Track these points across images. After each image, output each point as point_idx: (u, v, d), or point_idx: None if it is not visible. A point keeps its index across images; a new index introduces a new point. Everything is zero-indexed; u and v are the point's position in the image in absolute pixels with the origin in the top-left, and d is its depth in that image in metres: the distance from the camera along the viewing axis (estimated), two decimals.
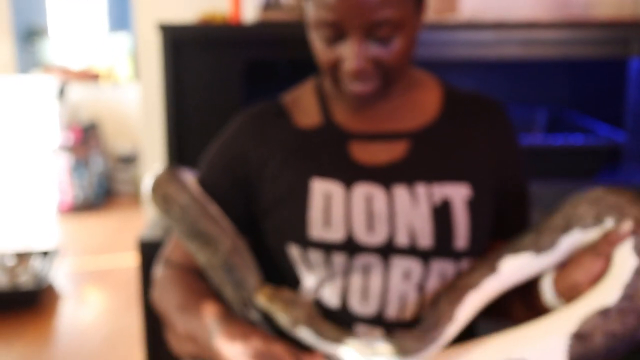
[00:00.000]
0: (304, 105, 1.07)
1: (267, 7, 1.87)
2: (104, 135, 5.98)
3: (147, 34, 2.16)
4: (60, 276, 3.91)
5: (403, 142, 1.00)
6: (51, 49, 6.52)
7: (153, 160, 2.27)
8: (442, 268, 0.96)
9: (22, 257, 3.80)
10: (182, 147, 1.75)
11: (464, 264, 0.97)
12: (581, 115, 2.14)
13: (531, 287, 0.96)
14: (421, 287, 0.96)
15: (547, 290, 0.91)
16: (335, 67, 0.95)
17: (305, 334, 0.92)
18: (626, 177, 1.92)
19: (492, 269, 0.92)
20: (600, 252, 0.85)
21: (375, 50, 0.92)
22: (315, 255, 0.96)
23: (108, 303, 3.69)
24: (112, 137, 6.02)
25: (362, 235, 0.95)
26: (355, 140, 1.01)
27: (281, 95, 1.10)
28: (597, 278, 0.86)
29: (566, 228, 0.89)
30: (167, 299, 1.03)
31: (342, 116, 1.04)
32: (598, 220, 0.86)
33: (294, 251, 0.90)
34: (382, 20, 0.89)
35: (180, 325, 0.98)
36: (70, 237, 4.82)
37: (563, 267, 0.90)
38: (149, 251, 1.66)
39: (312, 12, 0.93)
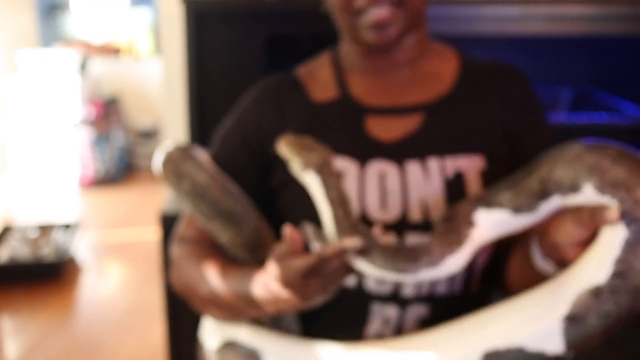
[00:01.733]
0: (320, 78, 1.06)
1: None
2: (124, 109, 6.01)
3: (169, 7, 2.15)
4: (81, 249, 3.96)
5: (417, 115, 1.00)
6: (73, 23, 6.54)
7: (174, 135, 2.27)
8: None
9: (45, 230, 3.84)
10: (203, 122, 1.75)
11: None
12: (606, 93, 2.11)
13: (526, 249, 0.92)
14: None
15: (535, 252, 0.85)
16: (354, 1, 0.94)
17: (312, 181, 0.87)
18: None
19: (468, 221, 0.83)
20: (585, 223, 0.75)
21: None
22: None
23: (129, 276, 3.73)
24: (133, 111, 6.05)
25: (376, 212, 0.95)
26: (371, 114, 1.01)
27: (296, 67, 1.09)
28: (582, 243, 0.77)
29: (544, 194, 0.79)
30: (187, 273, 1.02)
31: (359, 89, 1.03)
32: (576, 185, 0.75)
33: (308, 229, 0.90)
34: None
35: (205, 290, 0.97)
36: (92, 211, 4.86)
37: (546, 225, 0.82)
38: (170, 225, 1.67)
39: None
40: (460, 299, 0.99)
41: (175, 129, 2.27)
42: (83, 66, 5.51)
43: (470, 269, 0.97)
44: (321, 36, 1.87)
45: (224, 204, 0.97)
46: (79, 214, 4.70)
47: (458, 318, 0.90)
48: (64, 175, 5.43)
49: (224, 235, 0.99)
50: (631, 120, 1.88)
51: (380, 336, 0.98)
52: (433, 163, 0.96)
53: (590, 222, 0.75)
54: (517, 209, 0.81)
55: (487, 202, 0.83)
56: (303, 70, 1.09)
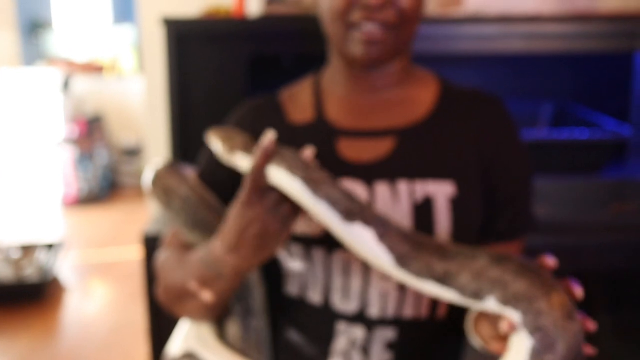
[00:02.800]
0: (299, 101, 1.08)
1: (271, 1, 1.86)
2: (108, 127, 5.99)
3: (151, 27, 2.16)
4: (65, 269, 3.92)
5: (390, 139, 1.00)
6: (56, 41, 6.52)
7: (157, 154, 2.27)
8: None
9: (28, 250, 3.81)
10: (185, 141, 1.75)
11: None
12: (586, 109, 2.13)
13: None
14: (402, 286, 0.96)
15: (469, 328, 0.87)
16: (349, 10, 0.95)
17: (239, 161, 0.92)
18: (631, 171, 1.91)
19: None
20: (493, 326, 0.78)
21: None
22: (297, 249, 0.98)
23: (113, 296, 3.70)
24: (117, 129, 6.03)
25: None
26: (344, 137, 1.01)
27: (280, 90, 1.11)
28: (502, 338, 0.78)
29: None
30: (167, 275, 1.03)
31: (334, 112, 1.04)
32: (480, 296, 0.76)
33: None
34: None
35: (179, 280, 0.98)
36: (75, 230, 4.83)
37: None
38: (153, 245, 1.67)
39: None
40: (427, 324, 0.99)
41: (157, 147, 2.26)
42: (66, 85, 5.49)
43: None
44: (304, 56, 1.89)
45: (201, 215, 0.99)
46: (63, 234, 4.66)
47: (425, 343, 0.91)
48: (47, 194, 5.39)
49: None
50: (611, 135, 1.90)
51: (346, 355, 0.98)
52: (402, 186, 0.96)
53: (496, 328, 0.77)
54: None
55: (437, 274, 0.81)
56: (285, 93, 1.10)
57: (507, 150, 1.02)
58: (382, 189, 0.96)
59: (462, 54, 1.79)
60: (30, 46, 6.27)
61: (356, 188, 0.97)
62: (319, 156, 0.99)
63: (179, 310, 1.02)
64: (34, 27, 6.33)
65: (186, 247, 1.04)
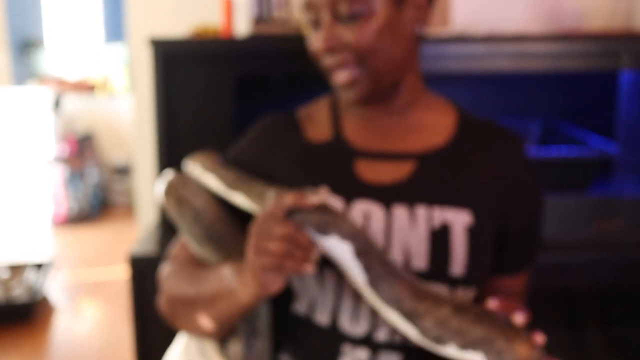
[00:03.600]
0: (317, 119, 1.08)
1: (259, 20, 1.87)
2: (99, 146, 5.98)
3: (140, 46, 2.16)
4: (54, 289, 3.89)
5: (409, 163, 1.00)
6: (47, 60, 6.52)
7: (145, 173, 2.26)
8: None
9: (16, 270, 3.78)
10: (173, 160, 1.75)
11: (460, 291, 0.96)
12: (573, 126, 2.15)
13: None
14: None
15: None
16: (319, 58, 0.98)
17: (209, 180, 0.95)
18: (618, 188, 1.92)
19: None
20: None
21: (344, 32, 0.94)
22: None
23: (103, 315, 3.67)
24: (108, 148, 6.02)
25: None
26: (362, 158, 1.01)
27: (297, 108, 1.12)
28: None
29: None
30: (176, 286, 1.02)
31: (352, 132, 1.04)
32: (442, 341, 0.81)
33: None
34: None
35: (192, 293, 0.98)
36: (65, 250, 4.80)
37: None
38: (139, 266, 1.66)
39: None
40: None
41: (145, 166, 2.26)
42: (57, 103, 5.48)
43: None
44: (292, 75, 1.89)
45: (214, 229, 0.99)
46: (52, 253, 4.64)
47: None
48: (37, 213, 5.37)
49: (213, 259, 1.00)
50: (598, 152, 1.91)
51: None
52: (421, 211, 0.96)
53: None
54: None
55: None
56: (303, 111, 1.11)
57: (522, 186, 1.03)
58: (400, 212, 0.96)
59: (449, 73, 1.80)
60: (22, 65, 6.26)
61: (373, 210, 0.96)
62: (336, 176, 0.99)
63: (184, 323, 1.01)
64: (25, 46, 6.33)
65: (194, 261, 1.03)
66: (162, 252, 1.69)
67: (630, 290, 1.86)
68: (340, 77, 0.96)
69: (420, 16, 0.99)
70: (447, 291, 0.95)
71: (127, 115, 5.82)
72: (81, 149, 5.57)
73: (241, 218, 1.03)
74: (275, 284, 0.87)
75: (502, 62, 1.78)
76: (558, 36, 1.84)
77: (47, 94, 5.42)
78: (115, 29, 8.10)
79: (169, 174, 1.06)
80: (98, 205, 5.73)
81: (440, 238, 0.95)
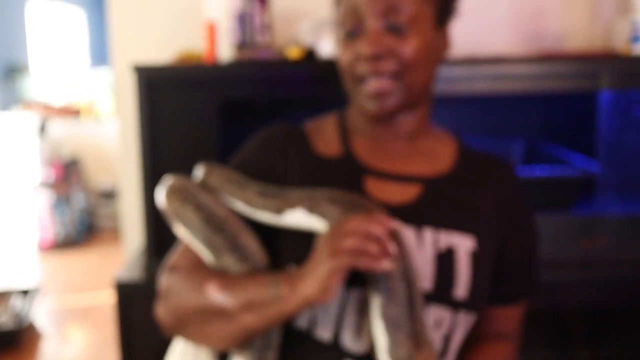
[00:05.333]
0: (325, 134, 1.09)
1: (241, 46, 1.88)
2: (85, 170, 5.96)
3: (124, 71, 2.17)
4: (41, 315, 3.86)
5: (416, 186, 1.02)
6: (32, 85, 6.52)
7: (130, 197, 2.26)
8: (439, 315, 0.95)
9: (2, 297, 3.75)
10: (157, 185, 1.75)
11: (461, 316, 0.97)
12: (555, 146, 2.17)
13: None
14: None
15: None
16: (356, 63, 0.98)
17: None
18: (602, 206, 1.94)
19: None
20: None
21: (391, 41, 0.95)
22: None
23: (90, 341, 3.64)
24: (94, 172, 6.00)
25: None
26: (372, 176, 1.02)
27: (304, 122, 1.12)
28: None
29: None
30: (183, 297, 0.98)
31: (362, 151, 1.05)
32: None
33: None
34: (399, 6, 0.94)
35: (212, 304, 0.93)
36: (52, 275, 4.77)
37: None
38: (125, 291, 1.65)
39: (338, 10, 1.00)
40: None
41: (130, 190, 2.26)
42: (42, 128, 5.47)
43: (446, 343, 0.98)
44: (276, 100, 1.90)
45: (241, 239, 0.97)
46: (39, 279, 4.60)
47: None
48: (23, 239, 5.33)
49: (236, 271, 0.97)
50: (580, 172, 1.93)
51: None
52: (428, 234, 0.97)
53: None
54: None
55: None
56: (310, 125, 1.11)
57: (518, 216, 1.06)
58: (408, 234, 0.97)
59: (432, 96, 1.82)
60: (7, 90, 6.26)
61: None
62: (346, 191, 0.99)
63: (198, 334, 0.98)
64: (10, 71, 6.32)
65: (203, 269, 1.00)
66: (149, 278, 1.68)
67: (616, 308, 1.87)
68: (375, 85, 0.96)
69: (446, 46, 1.04)
70: (449, 315, 0.96)
71: (113, 139, 5.82)
72: (67, 174, 5.55)
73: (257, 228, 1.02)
74: (334, 290, 0.85)
75: (483, 84, 1.80)
76: (538, 58, 1.87)
77: (32, 119, 5.41)
78: (101, 54, 8.13)
79: (174, 179, 1.02)
80: (84, 230, 5.70)
81: (445, 261, 0.96)
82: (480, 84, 1.80)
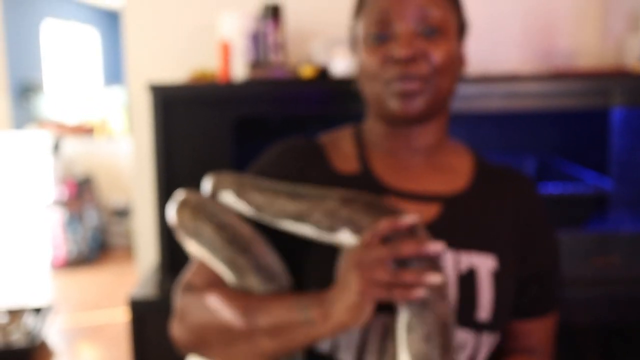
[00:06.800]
0: (342, 149, 1.07)
1: (256, 64, 1.90)
2: (98, 188, 5.99)
3: (139, 90, 2.19)
4: (53, 333, 3.87)
5: (435, 206, 1.00)
6: (46, 104, 6.58)
7: (145, 215, 2.27)
8: (462, 338, 0.94)
9: (15, 315, 3.76)
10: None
11: (484, 337, 0.95)
12: (568, 163, 2.17)
13: None
14: None
15: None
16: (383, 68, 0.96)
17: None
18: (614, 224, 1.94)
19: None
20: None
21: (423, 44, 0.95)
22: None
23: (102, 359, 3.64)
24: (107, 190, 6.03)
25: None
26: (391, 195, 1.00)
27: (319, 136, 1.11)
28: None
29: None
30: (202, 316, 0.96)
31: (380, 167, 1.03)
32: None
33: None
34: (428, 12, 0.95)
35: (256, 323, 0.91)
36: (64, 293, 4.78)
37: None
38: (139, 309, 1.66)
39: (362, 22, 1.00)
40: None
41: (144, 208, 2.27)
42: (56, 147, 5.51)
43: None
44: (289, 118, 1.92)
45: (266, 260, 0.95)
46: (51, 297, 4.62)
47: None
48: (36, 257, 5.36)
49: (260, 292, 0.95)
50: (593, 189, 1.93)
51: None
52: (449, 256, 0.96)
53: None
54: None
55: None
56: (325, 139, 1.09)
57: (539, 228, 1.04)
58: None
59: None
60: (21, 109, 6.32)
61: None
62: None
63: (217, 354, 0.96)
64: (24, 90, 6.39)
65: (223, 286, 0.98)
66: (163, 295, 1.69)
67: (629, 326, 1.86)
68: (404, 85, 0.95)
69: (464, 62, 1.04)
70: (472, 337, 0.94)
71: (126, 157, 5.85)
72: (80, 192, 5.58)
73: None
74: (367, 316, 0.84)
75: (496, 101, 1.81)
76: (549, 76, 1.88)
77: (46, 137, 5.46)
78: (114, 73, 8.21)
79: (188, 195, 0.99)
80: (97, 248, 5.72)
81: (467, 282, 0.95)
82: (493, 101, 1.81)
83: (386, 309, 0.91)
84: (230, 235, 0.94)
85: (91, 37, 8.10)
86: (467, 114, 1.87)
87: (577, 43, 2.23)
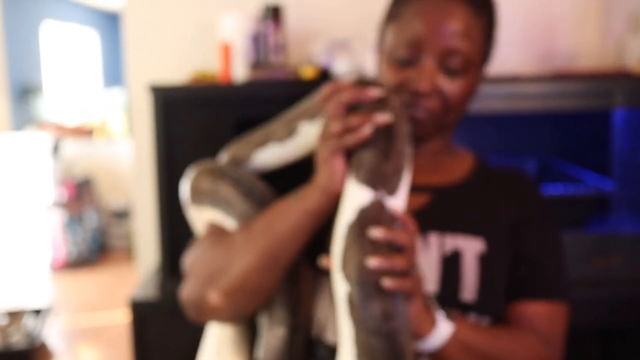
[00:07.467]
0: None
1: (256, 65, 1.90)
2: (98, 190, 5.99)
3: (139, 91, 2.19)
4: (53, 334, 3.86)
5: (424, 196, 1.02)
6: (45, 105, 6.57)
7: (145, 216, 2.27)
8: None
9: (15, 316, 3.76)
10: (172, 204, 1.76)
11: (472, 318, 0.96)
12: (569, 164, 2.17)
13: None
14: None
15: None
16: (399, 89, 0.97)
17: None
18: (616, 225, 1.93)
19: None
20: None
21: (442, 81, 0.96)
22: (323, 284, 0.97)
23: None
24: (107, 192, 6.03)
25: None
26: None
27: None
28: None
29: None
30: (209, 257, 0.97)
31: None
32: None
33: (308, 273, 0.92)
34: (458, 50, 0.95)
35: (257, 222, 0.93)
36: (64, 295, 4.78)
37: None
38: (140, 310, 1.66)
39: (392, 34, 1.00)
40: None
41: (144, 209, 2.27)
42: (55, 148, 5.51)
43: None
44: None
45: (258, 188, 0.99)
46: (51, 299, 4.61)
47: None
48: (35, 258, 5.35)
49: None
50: (594, 190, 1.93)
51: None
52: (433, 238, 0.98)
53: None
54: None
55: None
56: None
57: (536, 222, 1.04)
58: None
59: None
60: (20, 110, 6.32)
61: None
62: None
63: (223, 286, 0.94)
64: (24, 92, 6.38)
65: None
66: (163, 297, 1.69)
67: (630, 327, 1.86)
68: (416, 113, 0.97)
69: (482, 78, 1.05)
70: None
71: (125, 159, 5.85)
72: (80, 194, 5.58)
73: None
74: (341, 173, 0.86)
75: (496, 102, 1.81)
76: (550, 77, 1.88)
77: (45, 139, 5.45)
78: (113, 75, 8.20)
79: (197, 166, 1.03)
80: (97, 249, 5.72)
81: (451, 264, 0.96)
82: (493, 102, 1.80)
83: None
84: (246, 189, 0.98)
85: (91, 39, 8.09)
86: (468, 115, 1.86)
87: (578, 44, 2.23)
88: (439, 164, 1.07)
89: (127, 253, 5.70)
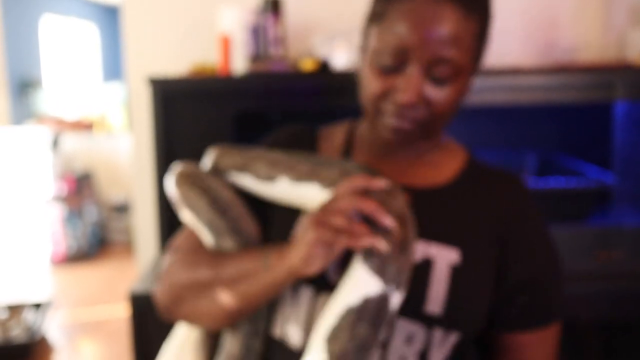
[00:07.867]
0: (332, 141, 1.08)
1: (256, 58, 1.89)
2: (97, 184, 5.99)
3: (138, 85, 2.18)
4: (53, 328, 3.86)
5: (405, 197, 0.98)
6: (45, 99, 6.56)
7: (145, 210, 2.26)
8: (409, 330, 0.91)
9: (15, 310, 3.76)
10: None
11: (437, 333, 0.91)
12: (570, 157, 2.16)
13: None
14: (384, 345, 0.91)
15: None
16: (383, 98, 0.93)
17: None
18: (617, 218, 1.93)
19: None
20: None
21: (429, 90, 0.90)
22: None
23: (102, 355, 3.64)
24: (106, 186, 6.03)
25: (332, 275, 0.92)
26: None
27: (320, 126, 1.12)
28: None
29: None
30: (183, 273, 0.98)
31: (360, 161, 1.02)
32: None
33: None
34: (446, 58, 0.88)
35: (221, 272, 0.94)
36: (64, 289, 4.78)
37: None
38: (140, 303, 1.65)
39: (376, 37, 0.92)
40: None
41: (144, 203, 2.26)
42: (55, 142, 5.50)
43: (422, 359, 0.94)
44: (289, 112, 1.91)
45: (242, 223, 0.99)
46: (51, 293, 4.61)
47: None
48: (35, 253, 5.35)
49: (233, 248, 1.00)
50: (595, 183, 1.92)
51: None
52: None
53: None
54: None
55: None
56: (323, 131, 1.11)
57: (526, 234, 0.99)
58: None
59: None
60: (20, 105, 6.31)
61: None
62: None
63: (191, 308, 0.97)
64: (23, 86, 6.37)
65: (203, 249, 1.01)
66: None
67: (632, 321, 1.85)
68: (397, 123, 0.93)
69: (472, 82, 0.99)
70: (423, 331, 0.91)
71: (125, 153, 5.85)
72: (79, 188, 5.57)
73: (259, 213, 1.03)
74: (318, 263, 0.83)
75: (497, 95, 1.80)
76: (551, 69, 1.87)
77: (45, 133, 5.45)
78: (113, 68, 8.19)
79: (182, 165, 1.05)
80: (96, 243, 5.72)
81: (420, 272, 0.91)
82: (494, 95, 1.80)
83: (329, 290, 0.92)
84: (211, 198, 0.99)
85: (90, 33, 8.08)
86: (468, 108, 1.86)
87: (579, 36, 2.22)
88: (425, 162, 1.02)
89: (127, 247, 5.70)
